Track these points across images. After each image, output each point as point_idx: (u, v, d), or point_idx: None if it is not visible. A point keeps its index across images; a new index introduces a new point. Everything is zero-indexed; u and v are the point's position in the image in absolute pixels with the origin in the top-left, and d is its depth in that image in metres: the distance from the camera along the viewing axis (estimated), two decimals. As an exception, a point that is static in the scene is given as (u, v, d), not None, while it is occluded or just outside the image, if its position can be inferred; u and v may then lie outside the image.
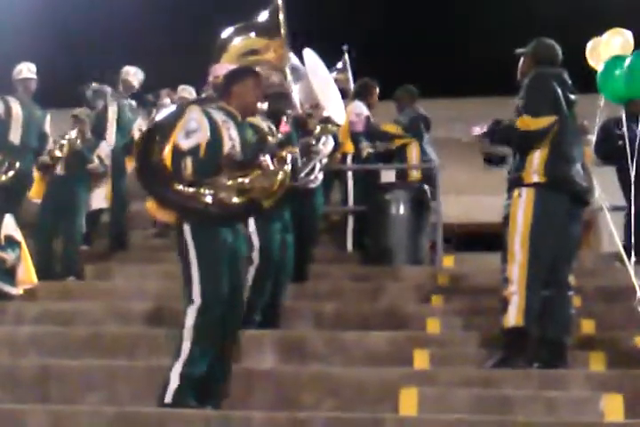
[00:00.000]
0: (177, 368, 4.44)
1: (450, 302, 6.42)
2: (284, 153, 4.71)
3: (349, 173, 8.11)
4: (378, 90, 8.47)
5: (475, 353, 5.37)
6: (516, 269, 5.02)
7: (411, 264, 7.36)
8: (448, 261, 7.67)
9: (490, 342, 5.48)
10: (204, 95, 5.46)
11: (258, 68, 5.01)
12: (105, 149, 7.87)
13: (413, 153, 7.93)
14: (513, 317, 4.96)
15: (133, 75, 8.52)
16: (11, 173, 7.59)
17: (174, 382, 4.43)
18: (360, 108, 8.18)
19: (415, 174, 7.87)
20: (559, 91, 5.12)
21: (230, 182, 4.53)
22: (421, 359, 5.25)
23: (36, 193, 7.77)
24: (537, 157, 5.08)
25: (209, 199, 4.50)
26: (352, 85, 8.48)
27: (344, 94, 8.06)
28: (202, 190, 4.51)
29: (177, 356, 4.48)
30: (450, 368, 5.09)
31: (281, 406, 4.74)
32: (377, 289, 6.71)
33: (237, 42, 5.51)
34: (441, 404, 4.58)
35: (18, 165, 7.63)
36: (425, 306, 6.37)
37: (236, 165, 4.57)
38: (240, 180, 4.54)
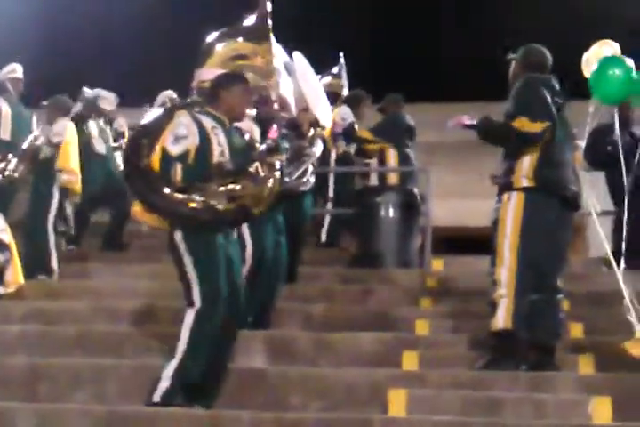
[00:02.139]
0: (170, 368, 4.43)
1: (438, 305, 6.44)
2: (273, 159, 4.72)
3: (331, 175, 8.19)
4: (369, 102, 8.53)
5: (463, 355, 5.38)
6: (505, 273, 5.04)
7: (400, 267, 7.38)
8: (437, 265, 7.69)
9: (478, 345, 5.49)
10: (188, 100, 5.43)
11: (246, 74, 5.00)
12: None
13: (391, 158, 7.97)
14: (502, 320, 4.98)
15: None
16: (8, 171, 7.56)
17: (166, 381, 4.42)
18: (347, 114, 8.28)
19: (394, 179, 7.89)
20: (548, 96, 5.15)
21: (221, 189, 4.53)
22: (410, 361, 5.26)
23: None
24: (527, 162, 5.10)
25: (199, 205, 4.50)
26: (346, 91, 8.53)
27: (336, 99, 8.13)
28: (191, 196, 4.50)
29: (172, 356, 4.46)
30: (439, 370, 5.10)
31: (270, 407, 4.73)
32: (366, 291, 6.71)
33: (223, 46, 5.48)
34: (430, 405, 4.59)
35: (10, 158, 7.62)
36: (414, 308, 6.39)
37: (226, 171, 4.57)
38: (230, 186, 4.54)
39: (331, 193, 8.23)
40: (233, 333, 4.67)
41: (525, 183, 5.07)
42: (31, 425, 4.40)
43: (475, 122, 5.29)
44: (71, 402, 4.91)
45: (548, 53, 5.39)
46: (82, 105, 8.51)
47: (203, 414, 4.41)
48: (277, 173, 4.66)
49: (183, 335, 4.45)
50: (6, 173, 7.50)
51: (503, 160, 5.24)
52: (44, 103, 7.92)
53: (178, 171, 4.49)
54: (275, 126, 5.50)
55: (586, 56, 5.82)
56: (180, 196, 4.50)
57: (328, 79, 8.31)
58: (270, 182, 4.59)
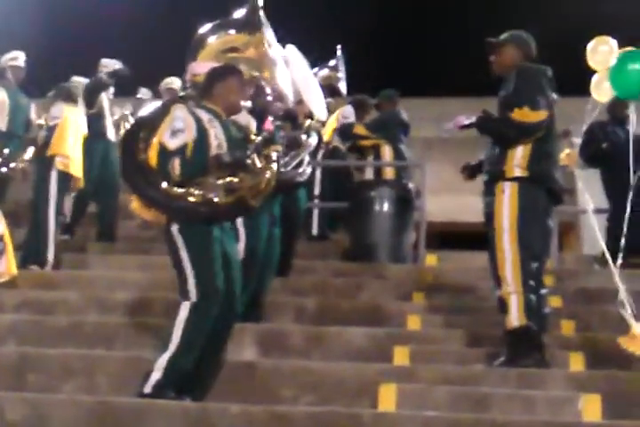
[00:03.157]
0: (163, 360, 4.42)
1: (431, 300, 6.43)
2: (269, 151, 4.71)
3: (319, 169, 8.21)
4: (372, 108, 8.55)
5: (455, 351, 5.38)
6: (510, 268, 4.97)
7: (393, 262, 7.38)
8: (431, 260, 7.69)
9: (470, 341, 5.51)
10: (182, 93, 5.41)
11: (239, 66, 4.98)
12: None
13: (386, 154, 8.00)
14: (515, 317, 4.92)
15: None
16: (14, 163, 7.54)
17: (157, 373, 4.41)
18: (349, 113, 8.31)
19: (389, 173, 7.91)
20: (547, 87, 5.14)
21: (218, 182, 4.52)
22: (401, 356, 5.26)
23: None
24: (520, 152, 5.05)
25: (197, 199, 4.48)
26: (343, 85, 8.52)
27: (333, 92, 8.14)
28: (190, 190, 4.49)
29: (164, 348, 4.45)
30: (430, 365, 5.09)
31: (260, 400, 4.73)
32: (359, 285, 6.71)
33: (216, 39, 5.45)
34: (420, 401, 4.59)
35: (6, 151, 7.59)
36: (406, 303, 6.39)
37: (224, 164, 4.55)
38: (228, 179, 4.53)
39: (318, 187, 8.25)
40: (228, 327, 4.66)
41: (518, 173, 5.03)
42: (20, 414, 4.39)
43: (472, 120, 5.24)
44: (61, 393, 4.90)
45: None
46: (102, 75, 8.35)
47: (192, 407, 4.40)
48: (274, 165, 4.65)
49: (177, 328, 4.44)
50: (12, 165, 7.48)
51: (491, 148, 5.17)
52: (50, 94, 7.88)
53: (175, 165, 4.48)
54: (270, 118, 5.51)
55: (592, 50, 5.78)
56: (178, 190, 4.49)
57: (325, 72, 8.30)
58: (267, 174, 4.59)
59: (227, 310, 4.55)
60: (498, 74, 5.29)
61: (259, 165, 4.59)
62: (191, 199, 4.48)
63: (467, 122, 5.24)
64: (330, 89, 7.96)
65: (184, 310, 4.46)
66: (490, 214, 5.14)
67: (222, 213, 4.56)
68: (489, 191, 5.16)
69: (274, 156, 4.69)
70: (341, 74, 8.45)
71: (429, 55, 11.33)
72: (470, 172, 5.54)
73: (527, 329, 4.92)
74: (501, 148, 5.11)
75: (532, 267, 5.00)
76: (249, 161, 4.58)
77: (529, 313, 4.93)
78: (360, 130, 8.03)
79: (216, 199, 4.49)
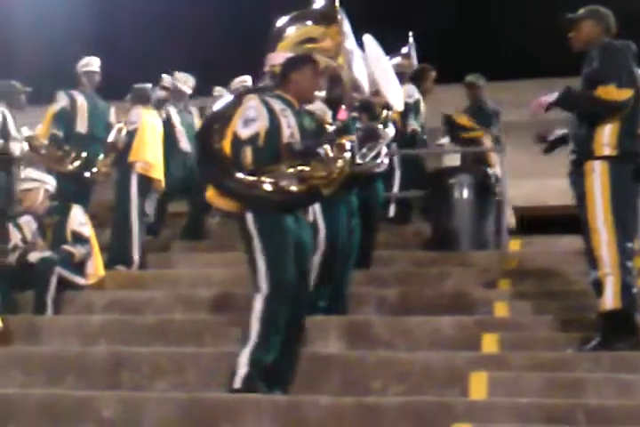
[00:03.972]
0: (245, 354, 4.46)
1: (518, 286, 6.33)
2: (342, 140, 4.70)
3: (396, 158, 8.15)
4: (434, 75, 8.48)
5: (545, 337, 5.29)
6: (605, 249, 4.85)
7: (476, 249, 7.29)
8: (514, 245, 7.57)
9: (560, 326, 5.40)
10: (260, 85, 5.45)
11: (315, 56, 4.99)
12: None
13: (487, 143, 7.98)
14: (610, 299, 4.81)
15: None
16: (77, 163, 7.71)
17: (243, 367, 4.45)
18: (412, 90, 8.22)
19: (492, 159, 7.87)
20: (633, 64, 5.01)
21: (291, 170, 4.54)
22: (490, 343, 5.19)
23: None
24: (608, 130, 4.95)
25: (271, 187, 4.52)
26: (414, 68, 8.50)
27: (404, 79, 8.07)
28: (263, 178, 4.52)
29: (245, 342, 4.50)
30: (520, 352, 5.01)
31: (348, 392, 4.72)
32: (442, 274, 6.65)
33: (293, 30, 5.48)
34: (511, 388, 4.52)
35: (84, 154, 7.75)
36: (492, 290, 6.30)
37: (296, 153, 4.57)
38: (300, 168, 4.55)
39: (397, 176, 8.20)
40: (301, 318, 4.67)
41: (607, 152, 4.93)
42: (115, 412, 4.48)
43: (555, 98, 5.10)
44: (153, 390, 4.98)
45: None
46: (161, 89, 8.52)
47: (282, 400, 4.43)
48: (347, 154, 4.65)
49: (253, 322, 4.48)
50: (94, 169, 7.65)
51: (577, 127, 5.08)
52: (127, 97, 8.01)
53: (248, 154, 4.52)
54: (344, 108, 5.49)
55: None
56: (251, 178, 4.52)
57: (398, 60, 8.26)
58: (340, 163, 4.59)
59: (299, 301, 4.56)
60: (577, 50, 5.18)
61: (331, 154, 4.58)
62: (264, 187, 4.51)
63: (550, 100, 5.12)
64: (403, 77, 7.90)
65: (257, 302, 4.49)
66: (581, 195, 5.03)
67: (294, 201, 4.59)
68: (577, 171, 5.05)
69: (347, 145, 4.68)
70: (414, 60, 8.38)
71: (505, 39, 11.15)
72: (550, 145, 5.44)
73: (621, 312, 4.81)
74: (589, 126, 5.01)
75: (627, 247, 4.88)
76: (321, 150, 4.57)
77: (624, 296, 4.80)
78: (464, 121, 7.97)
79: (289, 187, 4.51)
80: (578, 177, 5.05)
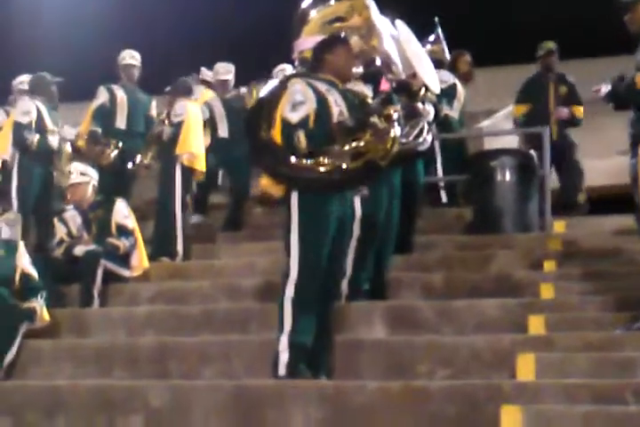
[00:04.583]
0: (284, 341, 4.48)
1: (563, 268, 6.26)
2: (389, 111, 4.66)
3: (436, 143, 8.10)
4: (468, 58, 8.41)
5: (591, 317, 5.23)
6: None
7: (519, 231, 7.22)
8: (559, 227, 7.49)
9: (607, 306, 5.33)
10: (295, 71, 5.41)
11: (346, 35, 4.95)
12: None
13: None
14: None
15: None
16: (115, 153, 7.76)
17: (284, 354, 4.46)
18: (446, 76, 8.18)
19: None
20: None
21: (345, 148, 4.52)
22: (536, 325, 5.14)
23: None
24: None
25: (328, 168, 4.49)
26: (447, 56, 8.41)
27: (440, 65, 8.01)
28: (319, 160, 4.50)
29: (281, 329, 4.51)
30: (567, 333, 4.96)
31: (394, 377, 4.71)
32: (486, 257, 6.59)
33: (317, 12, 5.43)
34: (559, 369, 4.48)
35: (121, 144, 7.80)
36: (537, 272, 6.23)
37: (348, 130, 4.55)
38: (354, 144, 4.53)
39: (439, 159, 8.15)
40: (331, 301, 4.67)
41: None
42: (164, 401, 4.53)
43: (609, 88, 5.15)
44: (201, 378, 5.02)
45: None
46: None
47: (328, 385, 4.43)
48: (396, 124, 4.61)
49: (286, 307, 4.48)
50: (137, 161, 7.70)
51: (636, 109, 5.06)
52: (167, 89, 8.04)
53: (301, 137, 4.50)
54: (385, 79, 5.44)
55: None
56: (307, 162, 4.50)
57: (428, 47, 8.18)
58: (392, 133, 4.56)
59: (330, 284, 4.57)
60: (635, 33, 5.10)
61: (381, 126, 4.55)
62: (321, 169, 4.49)
63: (604, 90, 5.13)
64: (438, 63, 7.84)
65: (288, 288, 4.50)
66: (634, 177, 5.01)
67: (354, 178, 4.58)
68: (634, 153, 5.03)
69: (395, 115, 4.64)
70: (444, 45, 8.31)
71: (534, 18, 11.00)
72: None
73: None
74: (637, 111, 4.97)
75: None
76: (372, 123, 4.54)
77: None
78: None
79: (345, 166, 4.48)
80: (633, 159, 5.02)
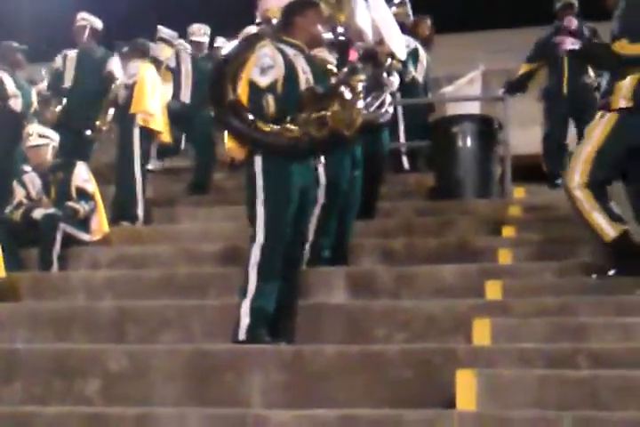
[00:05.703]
0: (246, 305, 4.49)
1: (521, 233, 6.32)
2: (355, 82, 4.64)
3: (400, 109, 8.08)
4: (429, 24, 8.40)
5: (549, 283, 5.29)
6: None
7: (480, 197, 7.26)
8: (518, 194, 7.55)
9: (563, 272, 5.40)
10: (257, 29, 5.33)
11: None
12: None
13: None
14: (610, 229, 4.93)
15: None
16: (58, 109, 7.70)
17: (245, 318, 4.47)
18: (407, 40, 8.14)
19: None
20: None
21: (312, 116, 4.49)
22: (494, 291, 5.19)
23: None
24: (627, 83, 4.98)
25: (296, 134, 4.46)
26: (411, 19, 8.38)
27: (403, 29, 7.96)
28: (286, 126, 4.47)
29: (244, 293, 4.51)
30: (523, 299, 5.02)
31: (352, 341, 4.75)
32: (445, 223, 6.64)
33: None
34: (515, 334, 4.53)
35: (65, 102, 7.77)
36: (496, 238, 6.29)
37: (315, 98, 4.51)
38: (322, 112, 4.49)
39: (401, 125, 8.16)
40: (295, 268, 4.69)
41: (623, 104, 4.97)
42: (122, 365, 4.51)
43: (578, 46, 5.19)
44: (159, 343, 5.02)
45: None
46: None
47: (287, 349, 4.45)
48: (361, 95, 4.59)
49: (250, 271, 4.48)
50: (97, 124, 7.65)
51: (607, 83, 5.12)
52: (124, 51, 7.96)
53: (270, 102, 4.45)
54: (353, 49, 5.40)
55: None
56: (275, 127, 4.46)
57: (393, 9, 8.14)
58: (358, 104, 4.53)
59: (293, 250, 4.57)
60: (610, 6, 5.14)
61: (348, 96, 4.52)
62: (290, 135, 4.46)
63: (570, 47, 5.17)
64: (401, 26, 7.81)
65: (254, 252, 4.49)
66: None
67: (320, 146, 4.56)
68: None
69: (359, 87, 4.62)
70: (409, 9, 8.28)
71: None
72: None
73: (622, 238, 4.92)
74: (612, 80, 5.05)
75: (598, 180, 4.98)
76: (340, 92, 4.52)
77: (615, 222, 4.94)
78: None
79: (313, 133, 4.46)
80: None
